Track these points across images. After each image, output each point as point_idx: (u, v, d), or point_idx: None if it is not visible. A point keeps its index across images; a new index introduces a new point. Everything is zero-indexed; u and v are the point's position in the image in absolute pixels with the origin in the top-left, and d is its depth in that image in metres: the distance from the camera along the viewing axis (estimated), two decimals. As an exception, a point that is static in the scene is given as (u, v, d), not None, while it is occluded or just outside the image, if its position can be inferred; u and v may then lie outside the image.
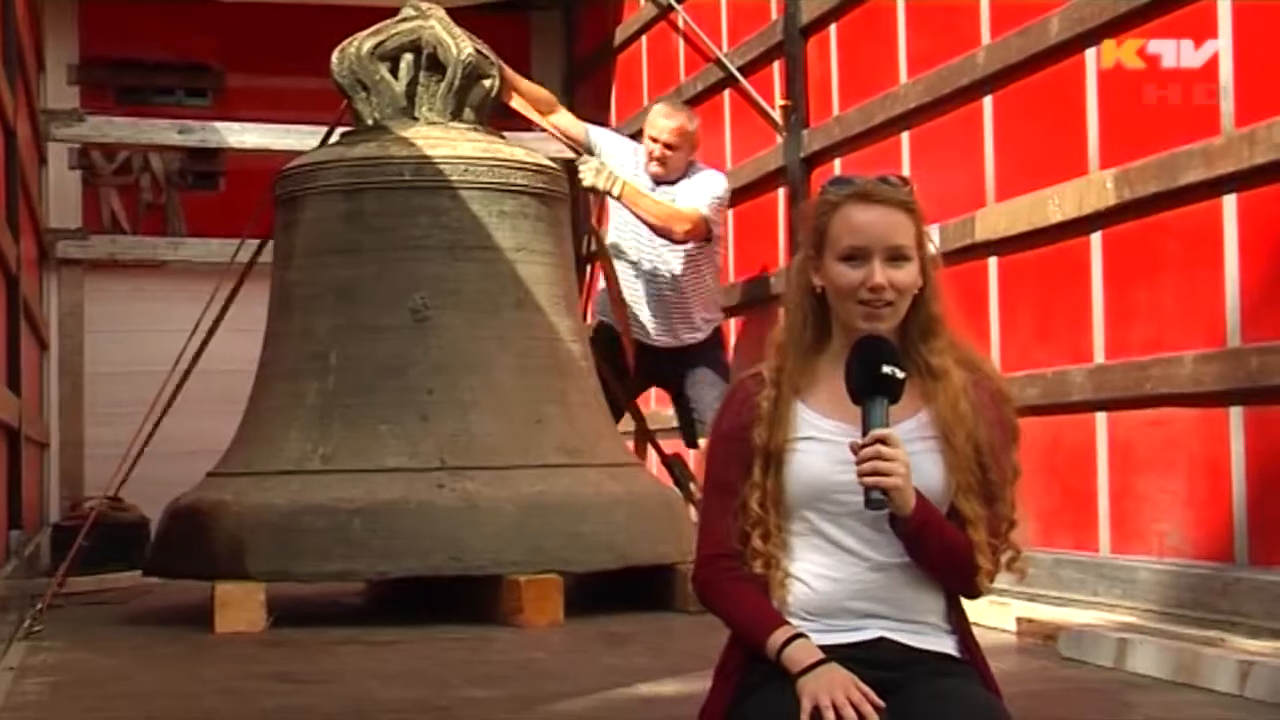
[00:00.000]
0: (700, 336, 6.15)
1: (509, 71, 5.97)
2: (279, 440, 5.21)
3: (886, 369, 1.99)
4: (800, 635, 2.00)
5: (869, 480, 1.95)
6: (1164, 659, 3.71)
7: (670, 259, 6.06)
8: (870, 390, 1.99)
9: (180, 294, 7.78)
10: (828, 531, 2.06)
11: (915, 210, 2.09)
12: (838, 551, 2.06)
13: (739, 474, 2.09)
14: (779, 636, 2.00)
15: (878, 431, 1.97)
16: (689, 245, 6.00)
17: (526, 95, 6.10)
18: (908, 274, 2.06)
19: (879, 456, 1.95)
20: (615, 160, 6.11)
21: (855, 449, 1.97)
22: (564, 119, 6.25)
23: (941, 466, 2.06)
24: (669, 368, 6.17)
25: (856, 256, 2.06)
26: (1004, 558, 2.09)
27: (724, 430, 2.14)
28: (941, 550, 2.03)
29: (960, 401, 2.07)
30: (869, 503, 1.96)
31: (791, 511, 2.07)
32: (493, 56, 5.72)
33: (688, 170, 6.08)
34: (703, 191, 5.99)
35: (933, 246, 2.15)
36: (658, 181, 6.03)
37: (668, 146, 5.99)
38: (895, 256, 2.05)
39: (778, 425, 2.07)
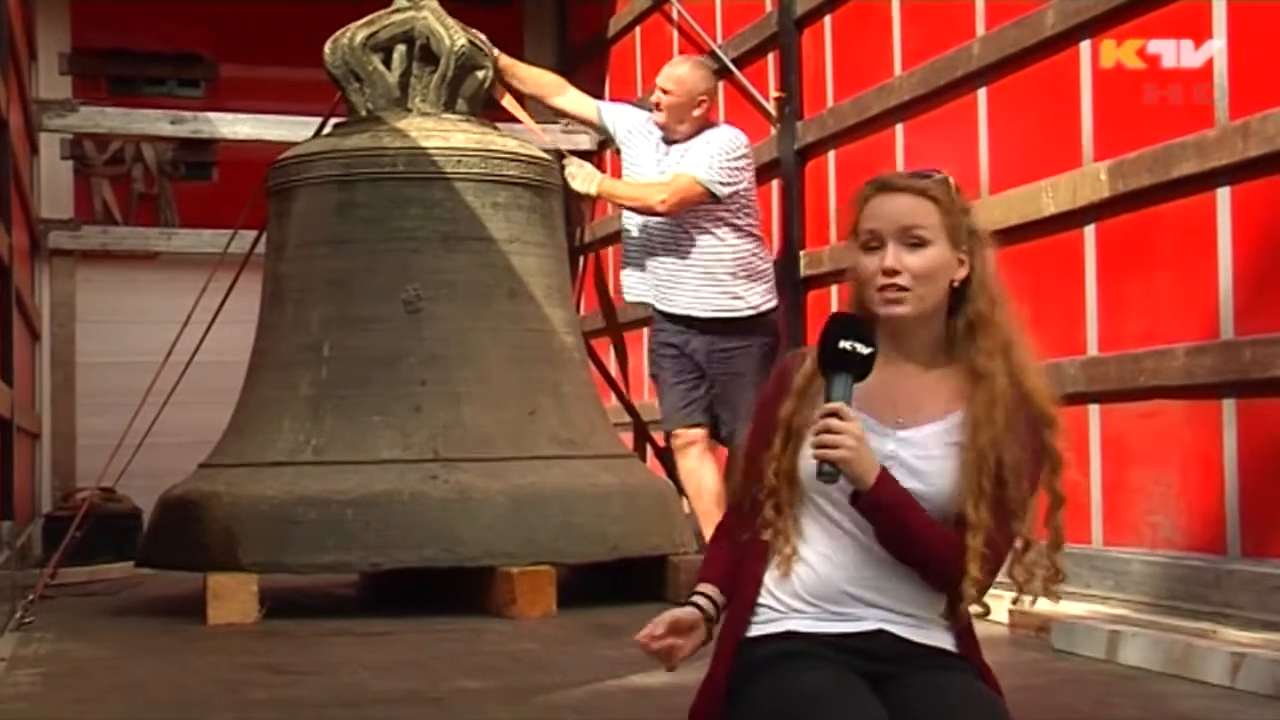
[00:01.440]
0: (739, 308, 5.71)
1: (508, 60, 5.93)
2: (272, 431, 5.20)
3: (844, 344, 2.00)
4: (701, 593, 2.11)
5: (818, 452, 1.98)
6: (1156, 651, 3.72)
7: (675, 223, 5.75)
8: (830, 364, 2.00)
9: (172, 285, 7.76)
10: (835, 517, 2.07)
11: (939, 199, 2.09)
12: (844, 537, 2.07)
13: (765, 442, 2.11)
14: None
15: (830, 405, 1.99)
16: (699, 209, 5.68)
17: (529, 80, 6.02)
18: (925, 259, 2.06)
19: (828, 429, 1.97)
20: (627, 129, 5.98)
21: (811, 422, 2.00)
22: (572, 100, 6.13)
23: (960, 471, 2.04)
24: (705, 348, 5.74)
25: (874, 243, 2.08)
26: (1040, 577, 2.07)
27: (764, 398, 2.19)
28: (903, 536, 2.01)
29: (995, 408, 2.04)
30: (819, 474, 1.99)
31: (804, 491, 2.08)
32: (489, 47, 5.71)
33: (701, 129, 5.77)
34: (702, 152, 5.69)
35: (990, 243, 2.15)
36: (669, 141, 5.80)
37: (664, 93, 5.73)
38: (911, 241, 2.06)
39: (805, 402, 2.09)
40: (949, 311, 2.11)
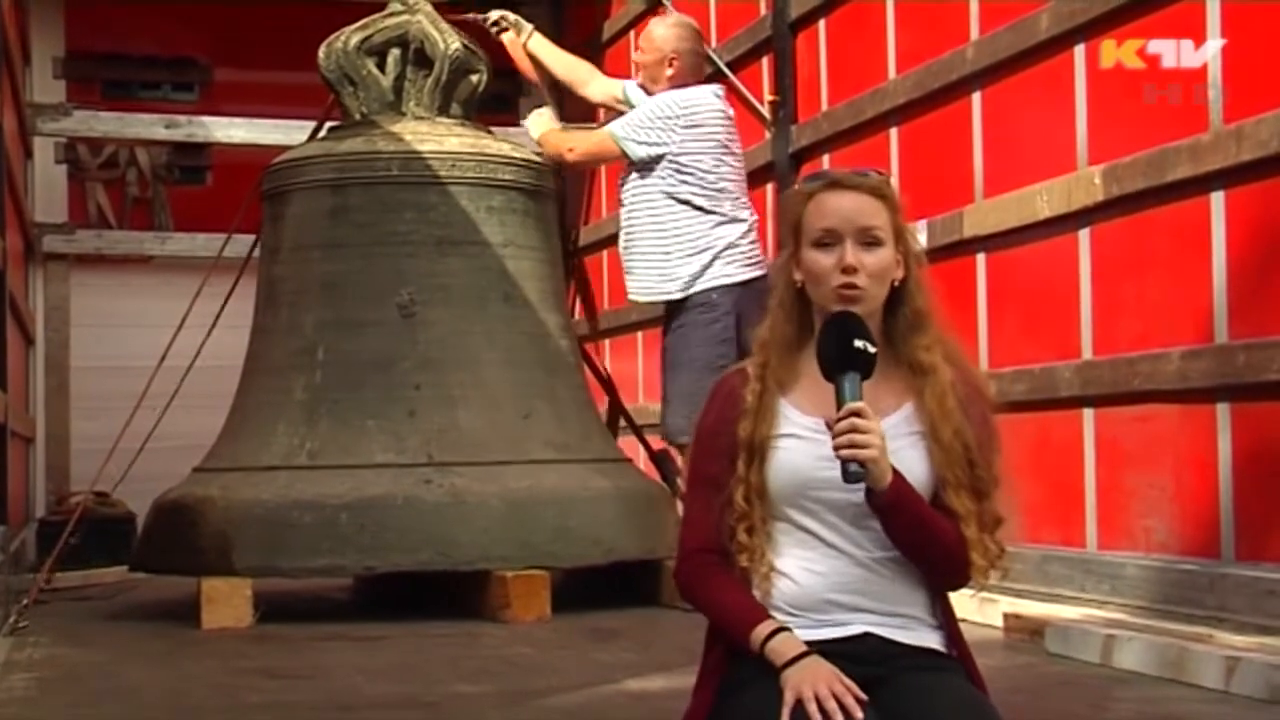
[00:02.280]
0: (666, 291, 5.28)
1: (540, 39, 5.85)
2: (266, 435, 5.20)
3: (858, 343, 1.99)
4: (784, 629, 2.00)
5: (846, 453, 1.95)
6: (1150, 654, 3.72)
7: (628, 200, 5.46)
8: (842, 365, 1.99)
9: (167, 289, 7.77)
10: (810, 527, 2.06)
11: (889, 198, 2.10)
12: (821, 545, 2.06)
13: (723, 469, 2.08)
14: (763, 630, 2.00)
15: (852, 405, 1.97)
16: (633, 175, 5.36)
17: (560, 67, 5.88)
18: (880, 259, 2.07)
19: (854, 429, 1.95)
20: (639, 103, 5.90)
21: (830, 424, 1.97)
22: (599, 88, 5.90)
23: (925, 460, 2.07)
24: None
25: (829, 241, 2.07)
26: (994, 555, 2.09)
27: (708, 425, 2.14)
28: (915, 530, 2.02)
29: (948, 397, 2.07)
30: (847, 476, 1.95)
31: (775, 506, 2.07)
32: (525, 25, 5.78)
33: (668, 90, 5.44)
34: (634, 111, 5.41)
35: (918, 242, 2.17)
36: None
37: (640, 51, 5.60)
38: (867, 240, 2.07)
39: (762, 419, 2.08)
40: (885, 310, 2.12)
